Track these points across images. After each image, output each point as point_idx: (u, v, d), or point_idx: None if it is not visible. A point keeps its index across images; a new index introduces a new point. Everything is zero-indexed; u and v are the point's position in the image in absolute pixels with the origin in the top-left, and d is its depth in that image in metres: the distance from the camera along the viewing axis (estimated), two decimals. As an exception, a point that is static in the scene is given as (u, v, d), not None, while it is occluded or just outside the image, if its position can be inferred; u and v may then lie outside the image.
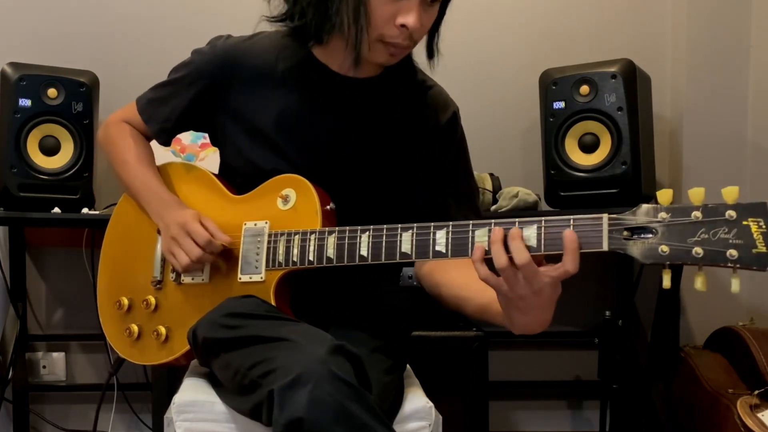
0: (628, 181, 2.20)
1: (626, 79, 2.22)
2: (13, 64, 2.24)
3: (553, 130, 2.30)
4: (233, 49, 1.46)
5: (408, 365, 1.57)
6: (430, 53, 1.45)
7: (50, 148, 2.25)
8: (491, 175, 2.46)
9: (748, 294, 2.61)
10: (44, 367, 2.61)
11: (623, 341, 2.43)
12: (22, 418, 2.54)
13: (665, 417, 2.36)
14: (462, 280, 1.34)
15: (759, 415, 2.00)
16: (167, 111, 1.53)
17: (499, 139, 2.68)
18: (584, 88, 2.25)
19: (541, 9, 2.69)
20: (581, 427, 2.73)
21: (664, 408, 2.37)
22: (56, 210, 2.21)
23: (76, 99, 2.25)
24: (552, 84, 2.31)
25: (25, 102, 2.21)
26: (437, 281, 1.41)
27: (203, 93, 1.48)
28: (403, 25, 1.31)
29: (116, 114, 1.63)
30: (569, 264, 1.09)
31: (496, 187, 2.43)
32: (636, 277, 2.54)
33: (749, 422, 1.98)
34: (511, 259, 1.10)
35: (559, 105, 2.29)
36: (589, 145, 2.27)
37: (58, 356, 2.63)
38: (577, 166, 2.28)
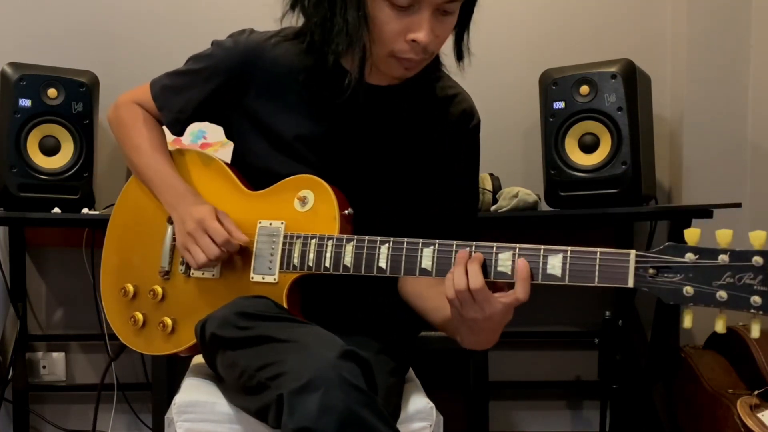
0: (628, 182, 2.20)
1: (626, 79, 2.21)
2: (13, 64, 2.24)
3: (553, 130, 2.29)
4: (256, 48, 1.41)
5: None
6: (459, 55, 1.43)
7: (50, 148, 2.25)
8: (491, 175, 2.45)
9: (748, 294, 2.61)
10: (44, 367, 2.61)
11: (623, 341, 2.42)
12: (22, 418, 2.53)
13: (665, 417, 2.36)
14: (429, 291, 1.36)
15: (759, 415, 2.00)
16: (182, 102, 1.48)
17: (499, 139, 2.67)
18: (584, 88, 2.25)
19: (541, 9, 2.68)
20: (581, 427, 2.73)
21: (664, 408, 2.37)
22: (56, 210, 2.21)
23: (76, 99, 2.25)
24: (552, 84, 2.30)
25: (25, 102, 2.21)
26: (411, 291, 1.44)
27: (221, 89, 1.43)
28: (413, 41, 1.27)
29: (128, 94, 1.57)
30: (520, 292, 1.13)
31: (496, 187, 2.43)
32: (636, 277, 2.54)
33: (749, 422, 1.98)
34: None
35: (559, 105, 2.29)
36: (589, 145, 2.27)
37: (58, 356, 2.62)
38: (577, 166, 2.27)
